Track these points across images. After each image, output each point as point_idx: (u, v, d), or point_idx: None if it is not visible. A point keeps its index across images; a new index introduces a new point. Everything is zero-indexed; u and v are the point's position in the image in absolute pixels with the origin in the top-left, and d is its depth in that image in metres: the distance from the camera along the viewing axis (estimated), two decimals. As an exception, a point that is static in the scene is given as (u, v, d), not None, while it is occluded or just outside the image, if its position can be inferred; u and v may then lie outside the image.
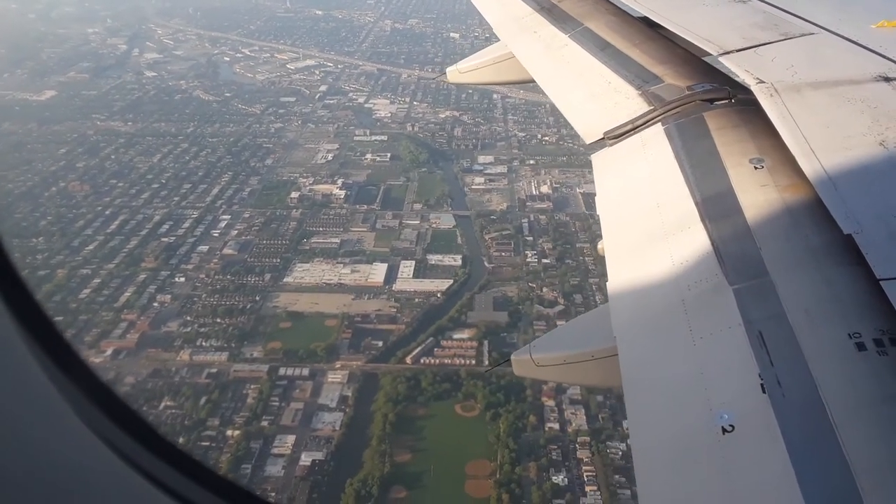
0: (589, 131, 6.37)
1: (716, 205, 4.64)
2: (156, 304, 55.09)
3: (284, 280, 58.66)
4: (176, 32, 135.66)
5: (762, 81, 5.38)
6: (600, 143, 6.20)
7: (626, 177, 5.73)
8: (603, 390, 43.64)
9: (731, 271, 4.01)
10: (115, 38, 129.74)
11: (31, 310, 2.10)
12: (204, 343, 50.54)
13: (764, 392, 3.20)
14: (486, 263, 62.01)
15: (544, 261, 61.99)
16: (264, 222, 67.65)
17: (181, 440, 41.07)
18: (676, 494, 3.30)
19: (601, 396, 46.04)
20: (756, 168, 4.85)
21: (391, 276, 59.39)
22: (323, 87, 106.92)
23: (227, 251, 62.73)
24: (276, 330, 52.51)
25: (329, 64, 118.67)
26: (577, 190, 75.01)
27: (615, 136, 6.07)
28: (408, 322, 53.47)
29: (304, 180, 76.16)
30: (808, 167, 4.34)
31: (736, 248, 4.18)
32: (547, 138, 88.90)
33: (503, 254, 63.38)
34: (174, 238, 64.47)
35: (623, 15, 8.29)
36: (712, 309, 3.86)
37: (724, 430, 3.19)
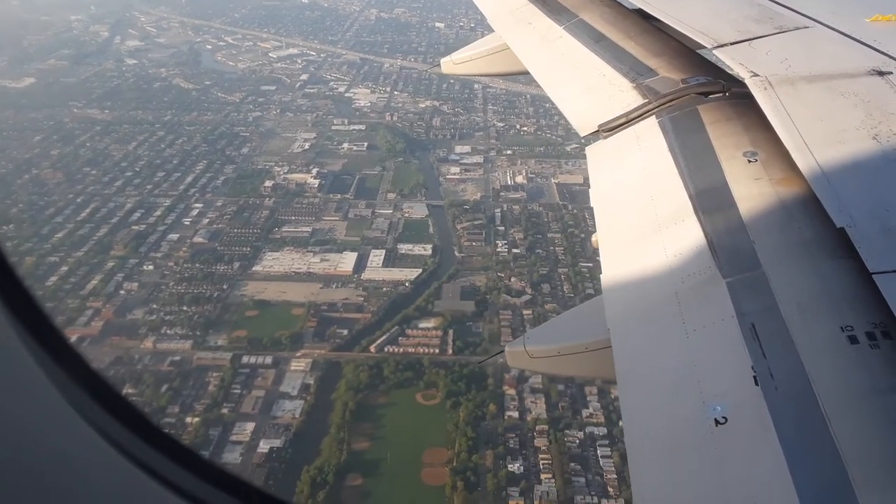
0: (583, 124, 6.36)
1: (709, 198, 4.66)
2: (122, 292, 55.00)
3: (253, 269, 58.64)
4: (159, 20, 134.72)
5: (756, 75, 5.39)
6: (595, 136, 6.19)
7: (621, 169, 5.72)
8: (569, 380, 43.79)
9: (724, 264, 4.02)
10: (98, 26, 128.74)
11: (24, 302, 2.07)
12: (168, 331, 50.53)
13: (756, 384, 3.21)
14: (456, 253, 62.12)
15: (514, 250, 62.07)
16: (236, 211, 67.52)
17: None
18: (669, 486, 3.32)
19: (562, 385, 46.24)
20: (750, 161, 4.86)
21: (361, 264, 59.42)
22: (304, 76, 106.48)
23: (197, 239, 62.62)
24: (243, 318, 52.54)
25: (312, 53, 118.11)
26: (552, 180, 75.10)
27: (609, 128, 6.08)
28: (374, 311, 53.56)
29: (279, 169, 75.98)
30: (802, 161, 4.34)
31: (729, 241, 4.20)
32: (525, 128, 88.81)
33: (474, 243, 63.46)
34: (145, 226, 64.30)
35: (618, 7, 8.26)
36: (705, 301, 3.89)
37: (716, 422, 3.20)
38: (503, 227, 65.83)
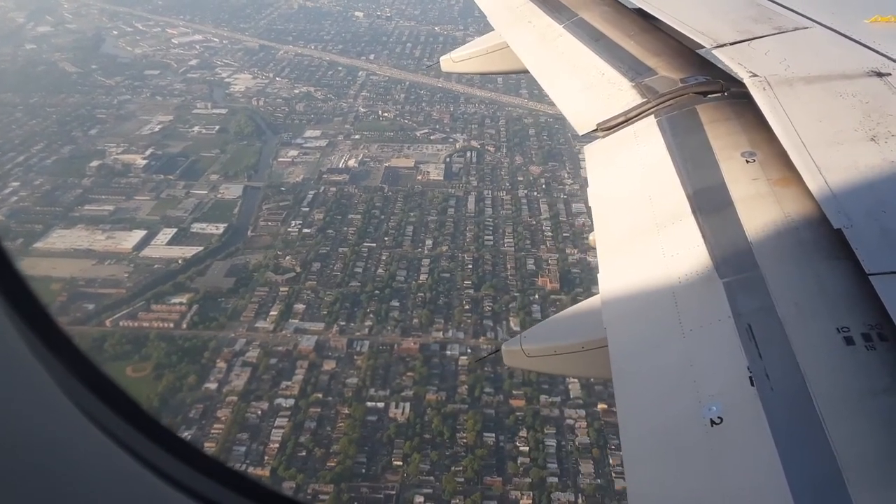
0: (582, 122, 6.37)
1: (707, 198, 4.67)
2: None
3: (34, 245, 59.18)
4: (81, 6, 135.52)
5: (755, 75, 5.40)
6: (593, 135, 6.22)
7: (618, 169, 5.72)
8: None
9: (721, 264, 4.04)
10: (16, 12, 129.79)
11: (22, 295, 2.07)
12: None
13: (752, 385, 3.24)
14: (248, 233, 62.57)
15: (305, 230, 62.45)
16: (50, 190, 68.20)
17: None
18: (664, 485, 3.34)
19: (274, 359, 46.70)
20: (748, 161, 4.87)
21: (145, 242, 59.99)
22: (193, 62, 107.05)
23: (-5, 216, 63.48)
24: (-2, 292, 53.12)
25: (215, 40, 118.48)
26: (384, 164, 75.35)
27: (608, 127, 6.09)
28: (131, 286, 54.13)
29: (115, 150, 76.61)
30: (800, 161, 4.35)
31: (726, 242, 4.21)
32: (386, 114, 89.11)
33: (270, 223, 63.86)
34: (-52, 203, 65.26)
35: (617, 6, 8.25)
36: (702, 301, 3.91)
37: (712, 422, 3.22)
38: (308, 209, 66.16)
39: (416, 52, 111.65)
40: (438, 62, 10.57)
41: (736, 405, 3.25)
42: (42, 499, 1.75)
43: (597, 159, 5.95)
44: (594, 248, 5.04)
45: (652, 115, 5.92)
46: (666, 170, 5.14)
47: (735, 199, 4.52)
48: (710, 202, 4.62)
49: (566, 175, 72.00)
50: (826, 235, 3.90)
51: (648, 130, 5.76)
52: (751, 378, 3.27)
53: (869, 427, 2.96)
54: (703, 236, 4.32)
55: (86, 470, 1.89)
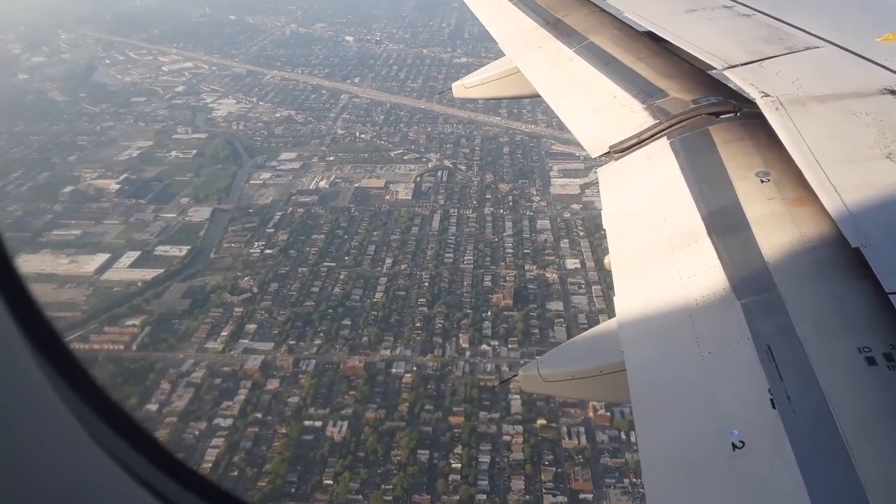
0: (594, 145, 6.39)
1: (722, 219, 4.66)
2: None
3: (-2, 270, 59.92)
4: (78, 37, 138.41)
5: (767, 95, 5.42)
6: (606, 158, 6.24)
7: (632, 191, 5.72)
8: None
9: (738, 285, 4.03)
10: (15, 44, 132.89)
11: (29, 311, 2.06)
12: None
13: (774, 407, 3.20)
14: (212, 254, 62.98)
15: (268, 251, 62.78)
16: (21, 216, 69.23)
17: None
18: None
19: (219, 379, 46.72)
20: (762, 181, 4.87)
21: (107, 265, 60.57)
22: (179, 88, 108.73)
23: (-36, 243, 64.24)
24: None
25: (205, 66, 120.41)
26: (354, 185, 75.77)
27: (621, 150, 6.11)
28: (87, 309, 54.56)
29: (90, 175, 77.72)
30: (815, 180, 4.35)
31: (743, 262, 4.20)
32: (363, 136, 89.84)
33: (234, 245, 64.29)
34: (-80, 230, 66.24)
35: (628, 29, 8.29)
36: (720, 323, 3.88)
37: (734, 446, 3.17)
38: (273, 230, 66.57)
39: (402, 75, 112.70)
40: (451, 88, 10.53)
41: (758, 428, 3.19)
42: None
43: (610, 182, 5.93)
44: (610, 271, 5.00)
45: (665, 137, 5.90)
46: (680, 191, 5.12)
47: (750, 220, 4.49)
48: (725, 223, 4.59)
49: (534, 192, 72.04)
50: (844, 254, 3.85)
51: (661, 152, 5.73)
52: (772, 400, 3.22)
53: (893, 448, 2.90)
54: (720, 257, 4.28)
55: (88, 488, 1.88)
